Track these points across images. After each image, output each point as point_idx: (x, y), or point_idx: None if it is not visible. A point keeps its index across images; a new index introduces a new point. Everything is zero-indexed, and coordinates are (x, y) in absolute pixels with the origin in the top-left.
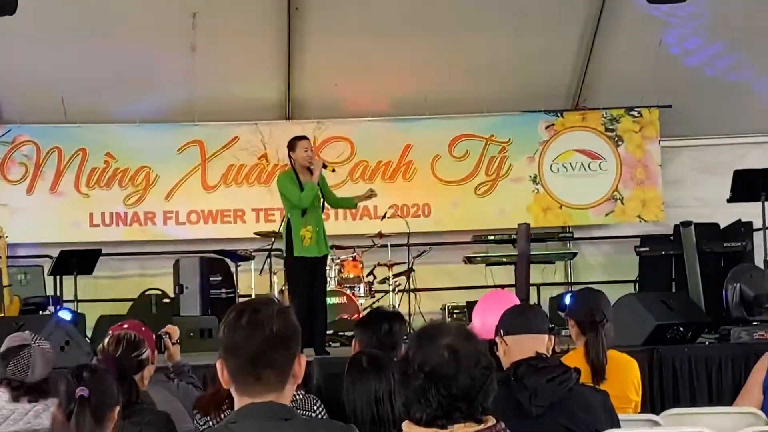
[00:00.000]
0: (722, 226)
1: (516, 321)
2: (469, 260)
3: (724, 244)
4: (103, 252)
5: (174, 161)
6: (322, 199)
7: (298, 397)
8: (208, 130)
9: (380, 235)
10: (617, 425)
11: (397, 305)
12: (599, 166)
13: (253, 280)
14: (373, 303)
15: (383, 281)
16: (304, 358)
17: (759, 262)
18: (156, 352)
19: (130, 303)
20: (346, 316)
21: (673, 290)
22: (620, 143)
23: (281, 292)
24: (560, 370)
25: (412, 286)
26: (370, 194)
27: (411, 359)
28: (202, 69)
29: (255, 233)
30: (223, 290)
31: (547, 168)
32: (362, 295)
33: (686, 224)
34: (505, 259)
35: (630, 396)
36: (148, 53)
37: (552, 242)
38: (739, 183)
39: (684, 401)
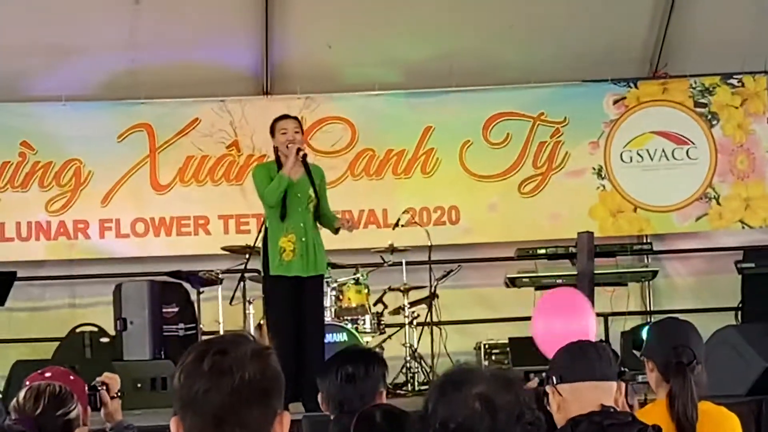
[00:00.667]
0: None
1: (574, 364)
2: (512, 282)
3: None
4: (18, 275)
5: (113, 152)
6: (315, 201)
7: None
8: (159, 110)
9: (392, 249)
10: None
11: (415, 343)
12: (687, 153)
13: (221, 312)
14: (383, 341)
15: (396, 311)
16: (288, 417)
17: None
18: (89, 409)
19: (56, 344)
20: None
21: None
22: (715, 122)
23: (259, 327)
24: (634, 430)
25: (435, 318)
26: (349, 226)
27: (432, 414)
28: (149, 28)
29: (223, 248)
30: (181, 325)
31: (616, 157)
32: (368, 330)
33: None
34: (560, 281)
35: None
36: (76, 9)
37: (624, 257)
38: None
39: None
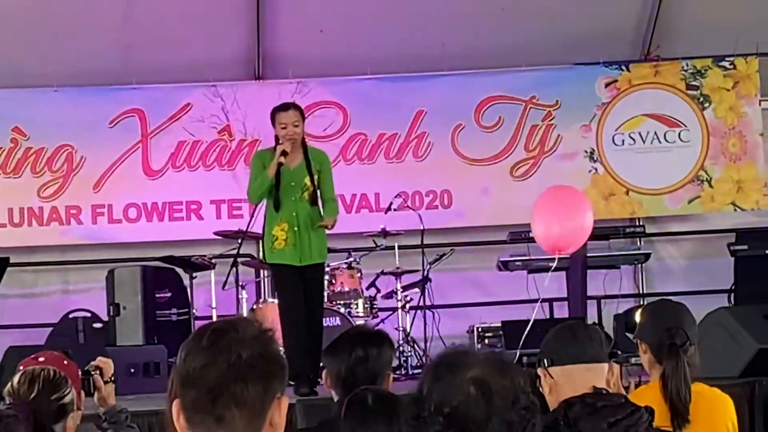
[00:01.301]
0: None
1: (566, 346)
2: (504, 266)
3: None
4: (11, 261)
5: (105, 138)
6: (314, 191)
7: None
8: (151, 95)
9: (384, 233)
10: None
11: (408, 327)
12: (679, 136)
13: (214, 297)
14: (377, 325)
15: (389, 296)
16: (287, 402)
17: None
18: (83, 393)
19: (49, 329)
20: None
21: None
22: (707, 105)
23: (252, 311)
24: (626, 411)
25: (428, 302)
26: (326, 224)
27: (426, 397)
28: (141, 14)
29: (215, 233)
30: (174, 310)
31: (608, 140)
32: (361, 314)
33: None
34: (552, 264)
35: None
36: None
37: (616, 240)
38: None
39: None
